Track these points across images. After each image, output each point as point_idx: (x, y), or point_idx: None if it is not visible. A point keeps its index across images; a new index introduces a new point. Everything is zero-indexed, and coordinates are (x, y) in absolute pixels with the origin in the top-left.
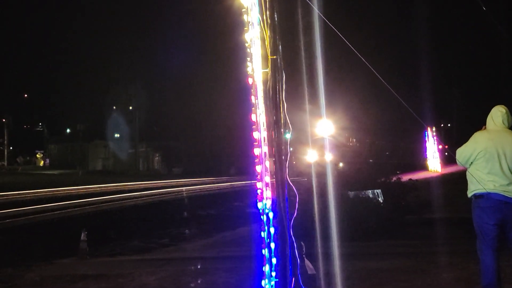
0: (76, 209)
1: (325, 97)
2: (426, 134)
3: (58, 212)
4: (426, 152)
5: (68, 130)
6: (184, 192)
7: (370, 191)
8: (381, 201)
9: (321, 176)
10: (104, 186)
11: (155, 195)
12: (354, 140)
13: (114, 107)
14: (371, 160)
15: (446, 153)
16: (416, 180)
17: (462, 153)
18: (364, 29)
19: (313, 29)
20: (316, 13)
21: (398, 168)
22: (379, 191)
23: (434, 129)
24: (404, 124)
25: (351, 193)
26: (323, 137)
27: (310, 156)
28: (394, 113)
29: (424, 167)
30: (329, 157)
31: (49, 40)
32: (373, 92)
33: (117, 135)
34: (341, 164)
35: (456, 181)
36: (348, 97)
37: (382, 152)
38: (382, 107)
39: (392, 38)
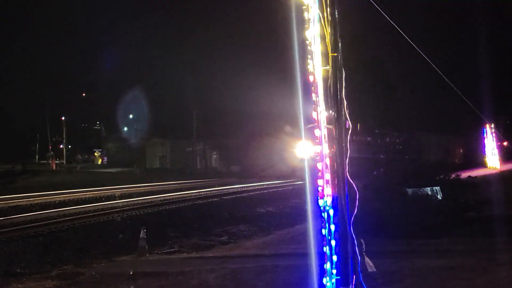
0: (134, 207)
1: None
2: (485, 131)
3: (117, 209)
4: (484, 148)
5: (125, 129)
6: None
7: (428, 188)
8: (440, 198)
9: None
10: (162, 184)
11: (213, 193)
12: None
13: (171, 106)
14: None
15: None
16: (475, 177)
17: None
18: (416, 15)
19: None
20: None
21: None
22: (438, 188)
23: (493, 125)
24: (460, 119)
25: (410, 190)
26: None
27: (302, 150)
28: (448, 108)
29: (482, 164)
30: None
31: (108, 40)
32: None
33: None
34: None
35: None
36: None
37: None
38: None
39: (448, 26)
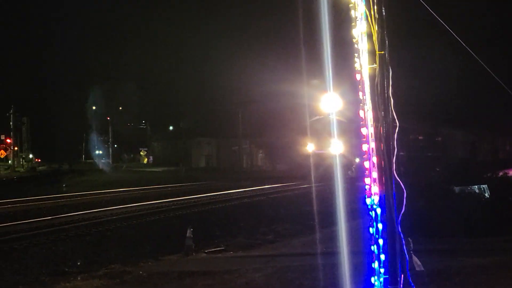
0: (180, 206)
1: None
2: None
3: (163, 208)
4: None
5: (171, 128)
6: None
7: (476, 186)
8: (487, 196)
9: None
10: (208, 183)
11: (259, 191)
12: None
13: (217, 104)
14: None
15: None
16: None
17: None
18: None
19: None
20: None
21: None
22: (485, 186)
23: None
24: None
25: (457, 188)
26: (328, 116)
27: (335, 147)
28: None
29: None
30: (337, 147)
31: (154, 39)
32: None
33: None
34: (357, 160)
35: None
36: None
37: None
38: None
39: (491, 16)
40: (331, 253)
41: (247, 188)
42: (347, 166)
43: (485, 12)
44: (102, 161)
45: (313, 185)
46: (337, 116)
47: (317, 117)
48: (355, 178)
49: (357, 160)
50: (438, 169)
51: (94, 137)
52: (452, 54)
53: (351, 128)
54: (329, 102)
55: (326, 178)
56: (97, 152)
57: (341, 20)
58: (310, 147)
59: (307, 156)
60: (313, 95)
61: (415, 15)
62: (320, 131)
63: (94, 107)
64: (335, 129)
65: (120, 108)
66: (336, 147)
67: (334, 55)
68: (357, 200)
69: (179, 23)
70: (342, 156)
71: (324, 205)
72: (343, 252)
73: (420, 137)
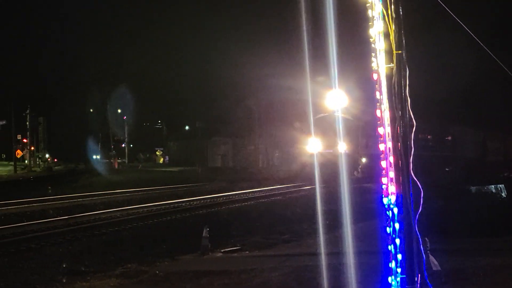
0: (196, 205)
1: None
2: None
3: (179, 208)
4: None
5: (187, 127)
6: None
7: (492, 186)
8: (504, 195)
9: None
10: (223, 182)
11: (275, 191)
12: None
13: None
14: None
15: None
16: None
17: None
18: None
19: None
20: None
21: None
22: (502, 185)
23: None
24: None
25: (473, 188)
26: (333, 113)
27: (312, 146)
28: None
29: None
30: (343, 146)
31: (168, 39)
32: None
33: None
34: (364, 160)
35: None
36: None
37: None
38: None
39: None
40: (347, 253)
41: (263, 188)
42: (353, 166)
43: (497, 7)
44: (118, 160)
45: (317, 186)
46: (342, 113)
47: (322, 114)
48: (361, 179)
49: (364, 160)
50: (447, 169)
51: (110, 137)
52: (463, 50)
53: (357, 126)
54: (334, 98)
55: (331, 179)
56: (112, 152)
57: (346, 17)
58: (314, 147)
59: (316, 156)
60: (318, 91)
61: (426, 11)
62: (325, 129)
63: (108, 106)
64: (340, 127)
65: (135, 108)
66: (342, 146)
67: (339, 52)
68: (371, 200)
69: (188, 22)
70: (348, 155)
71: (337, 205)
72: (360, 252)
73: (429, 136)
